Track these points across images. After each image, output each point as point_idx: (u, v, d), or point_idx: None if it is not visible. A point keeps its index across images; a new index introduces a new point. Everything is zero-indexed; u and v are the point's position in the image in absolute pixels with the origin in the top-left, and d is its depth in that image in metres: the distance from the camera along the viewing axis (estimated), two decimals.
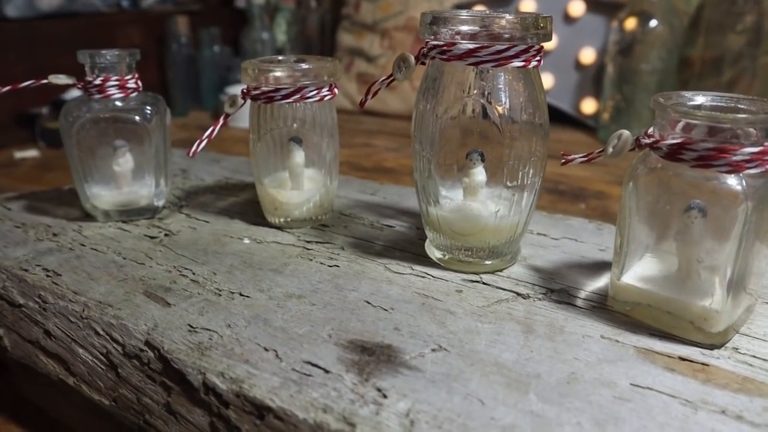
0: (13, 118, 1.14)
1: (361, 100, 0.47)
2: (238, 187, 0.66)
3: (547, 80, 1.18)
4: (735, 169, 0.33)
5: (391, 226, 0.54)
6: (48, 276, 0.46)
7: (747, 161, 0.33)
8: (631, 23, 1.03)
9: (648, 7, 1.02)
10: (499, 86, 0.41)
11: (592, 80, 1.16)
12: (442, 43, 0.40)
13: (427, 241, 0.48)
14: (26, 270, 0.47)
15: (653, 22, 1.02)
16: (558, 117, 1.16)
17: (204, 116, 1.34)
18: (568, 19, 1.17)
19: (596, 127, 1.13)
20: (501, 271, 0.45)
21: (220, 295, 0.43)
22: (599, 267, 0.46)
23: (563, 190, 0.85)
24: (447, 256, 0.46)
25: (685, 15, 1.08)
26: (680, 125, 0.35)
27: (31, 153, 1.09)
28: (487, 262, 0.45)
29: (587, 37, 1.16)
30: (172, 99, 1.34)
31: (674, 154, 0.34)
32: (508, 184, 0.42)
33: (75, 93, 0.54)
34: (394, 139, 1.14)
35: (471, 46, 0.39)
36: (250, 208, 0.59)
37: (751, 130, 0.33)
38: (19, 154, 1.08)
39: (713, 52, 1.04)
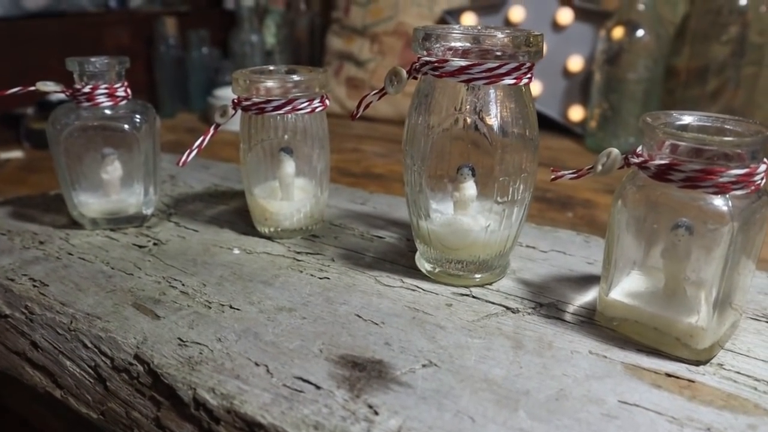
0: None
1: (353, 113, 0.47)
2: (228, 194, 0.66)
3: (536, 87, 1.19)
4: (721, 190, 0.34)
5: (381, 237, 0.54)
6: (35, 286, 0.46)
7: (733, 183, 0.34)
8: (618, 32, 1.04)
9: (635, 16, 1.03)
10: (491, 102, 0.41)
11: (580, 88, 1.17)
12: (434, 59, 0.40)
13: (417, 253, 0.48)
14: (12, 279, 0.47)
15: (640, 32, 1.03)
16: (546, 124, 1.17)
17: (192, 118, 1.34)
18: (557, 27, 1.18)
19: (584, 135, 1.14)
20: (490, 284, 0.46)
21: (210, 307, 0.43)
22: (587, 281, 0.46)
23: (551, 198, 0.86)
24: (437, 269, 0.46)
25: (672, 25, 1.09)
26: (667, 145, 0.35)
27: (16, 154, 1.07)
28: (477, 276, 0.45)
29: (575, 45, 1.17)
30: (160, 100, 1.33)
31: (662, 174, 0.35)
32: (499, 200, 0.42)
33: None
34: (383, 144, 1.14)
35: (463, 63, 0.39)
36: (239, 217, 0.59)
37: (738, 150, 0.34)
38: (4, 155, 1.06)
39: (698, 62, 1.05)
